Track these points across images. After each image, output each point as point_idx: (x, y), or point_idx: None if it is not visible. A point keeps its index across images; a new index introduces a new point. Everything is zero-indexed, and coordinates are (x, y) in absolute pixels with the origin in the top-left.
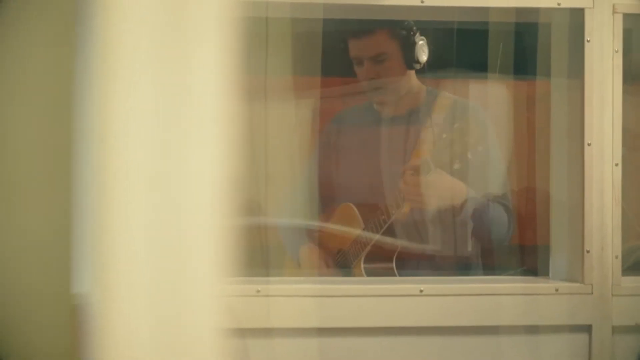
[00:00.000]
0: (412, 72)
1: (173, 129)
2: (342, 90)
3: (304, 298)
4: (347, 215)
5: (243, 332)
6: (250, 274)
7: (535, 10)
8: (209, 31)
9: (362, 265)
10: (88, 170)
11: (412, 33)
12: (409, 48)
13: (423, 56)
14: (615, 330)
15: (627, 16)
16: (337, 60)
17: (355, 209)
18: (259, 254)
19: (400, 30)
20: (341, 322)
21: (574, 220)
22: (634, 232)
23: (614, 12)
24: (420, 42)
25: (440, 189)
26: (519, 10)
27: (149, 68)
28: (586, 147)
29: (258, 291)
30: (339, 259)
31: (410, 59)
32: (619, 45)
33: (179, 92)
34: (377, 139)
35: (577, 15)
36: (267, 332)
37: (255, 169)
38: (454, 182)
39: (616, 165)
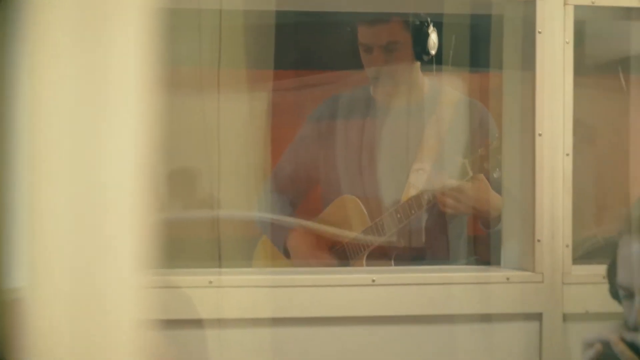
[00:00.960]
0: (418, 64)
1: (93, 123)
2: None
3: (257, 289)
4: (348, 209)
5: (165, 324)
6: (208, 265)
7: (488, 2)
8: (130, 25)
9: (364, 262)
10: (15, 164)
11: (425, 24)
12: (421, 39)
13: (433, 48)
14: (566, 318)
15: (578, 8)
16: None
17: (360, 203)
18: (214, 245)
19: (414, 20)
20: (294, 312)
21: (525, 209)
22: (586, 223)
23: (565, 3)
24: (433, 34)
25: (473, 198)
26: (473, 2)
27: (69, 62)
28: (537, 138)
29: (210, 282)
30: (335, 253)
31: (419, 50)
32: (570, 36)
33: (99, 87)
34: (376, 130)
35: (529, 7)
36: (220, 323)
37: (209, 162)
38: (492, 194)
39: (567, 155)
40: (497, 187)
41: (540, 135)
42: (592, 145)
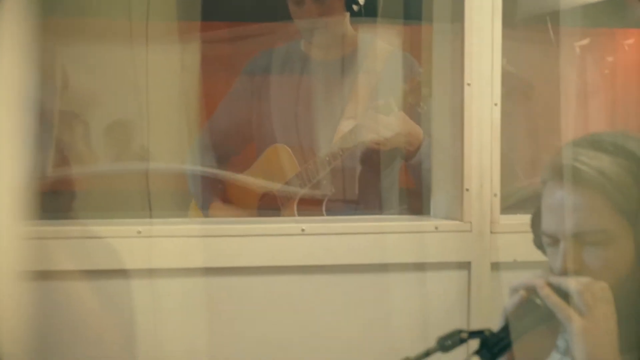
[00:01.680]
0: (348, 15)
1: None
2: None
3: (187, 239)
4: (280, 157)
5: (89, 274)
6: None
7: None
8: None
9: (295, 208)
10: None
11: None
12: None
13: None
14: (494, 266)
15: None
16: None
17: (290, 151)
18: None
19: None
20: (224, 262)
21: (454, 159)
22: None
23: None
24: None
25: (396, 130)
26: None
27: None
28: (466, 88)
29: (139, 232)
30: (265, 202)
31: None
32: None
33: None
34: (308, 83)
35: None
36: (150, 273)
37: (140, 115)
38: (414, 126)
39: (495, 105)
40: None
41: (469, 85)
42: (522, 96)
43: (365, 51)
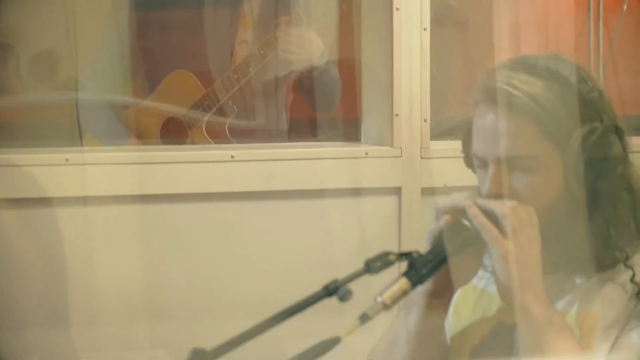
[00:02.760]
0: None
1: None
2: None
3: (117, 166)
4: (182, 83)
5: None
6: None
7: None
8: None
9: (205, 132)
10: None
11: None
12: None
13: None
14: (424, 192)
15: None
16: None
17: (193, 76)
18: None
19: None
20: (155, 189)
21: (384, 84)
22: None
23: None
24: None
25: (309, 43)
26: None
27: None
28: (395, 12)
29: (67, 160)
30: (168, 128)
31: None
32: None
33: None
34: (198, 11)
35: None
36: (79, 201)
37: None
38: (318, 40)
39: (424, 29)
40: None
41: (397, 9)
42: (454, 24)
43: None
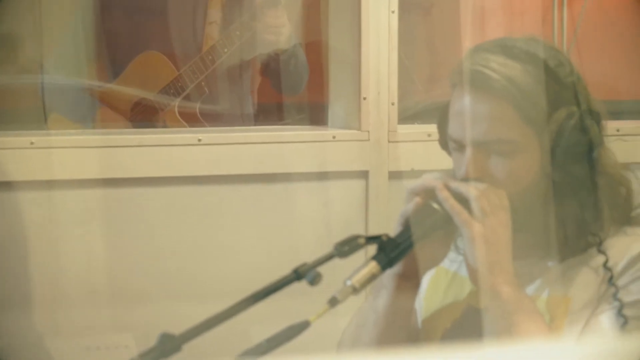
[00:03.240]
0: None
1: None
2: None
3: (83, 149)
4: (153, 64)
5: None
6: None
7: None
8: None
9: (177, 114)
10: None
11: None
12: None
13: None
14: (391, 175)
15: None
16: None
17: (164, 57)
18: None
19: None
20: (122, 173)
21: (352, 67)
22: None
23: None
24: None
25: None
26: None
27: None
28: None
29: (32, 143)
30: (138, 111)
31: None
32: None
33: None
34: None
35: None
36: (45, 185)
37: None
38: (287, 22)
39: (392, 12)
40: None
41: None
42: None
43: None
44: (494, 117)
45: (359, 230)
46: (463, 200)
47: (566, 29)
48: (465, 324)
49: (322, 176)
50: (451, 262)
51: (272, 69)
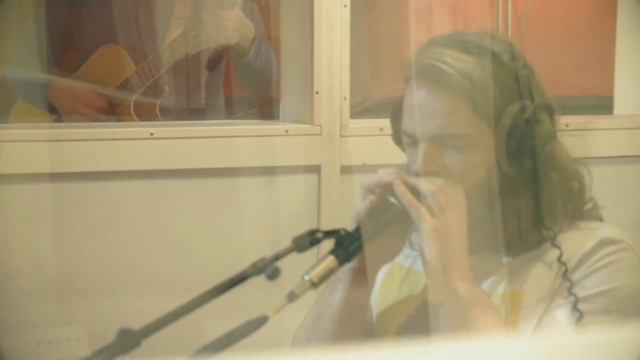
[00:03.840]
0: None
1: None
2: None
3: (32, 143)
4: (112, 58)
5: None
6: None
7: None
8: None
9: (133, 111)
10: None
11: None
12: None
13: None
14: (343, 170)
15: None
16: None
17: (123, 51)
18: None
19: None
20: (72, 167)
21: (304, 62)
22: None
23: None
24: None
25: (240, 25)
26: None
27: None
28: None
29: None
30: (100, 102)
31: None
32: None
33: None
34: None
35: None
36: None
37: None
38: (247, 21)
39: (345, 6)
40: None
41: None
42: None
43: None
44: (449, 112)
45: (311, 224)
46: (420, 195)
47: (511, 24)
48: (420, 319)
49: (275, 170)
50: (405, 258)
51: (239, 68)
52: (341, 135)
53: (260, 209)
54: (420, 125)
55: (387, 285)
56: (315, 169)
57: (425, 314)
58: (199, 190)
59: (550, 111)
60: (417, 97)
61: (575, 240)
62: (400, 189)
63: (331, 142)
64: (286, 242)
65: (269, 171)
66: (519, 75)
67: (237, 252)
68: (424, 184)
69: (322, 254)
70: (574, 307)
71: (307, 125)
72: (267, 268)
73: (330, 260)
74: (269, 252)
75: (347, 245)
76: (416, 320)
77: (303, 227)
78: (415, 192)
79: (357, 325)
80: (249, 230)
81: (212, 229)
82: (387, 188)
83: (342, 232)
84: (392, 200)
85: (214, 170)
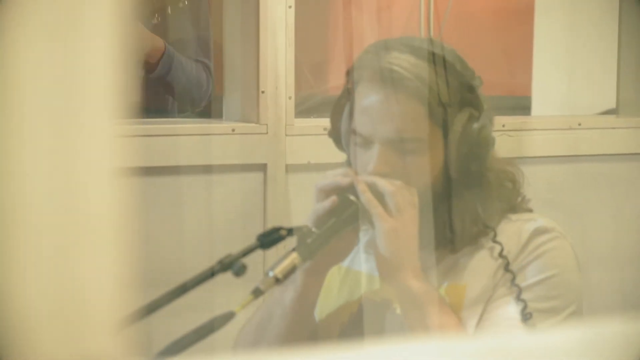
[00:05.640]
0: None
1: None
2: None
3: None
4: None
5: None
6: None
7: None
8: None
9: None
10: None
11: None
12: None
13: None
14: (289, 168)
15: None
16: None
17: None
18: None
19: None
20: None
21: (249, 61)
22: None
23: None
24: None
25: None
26: None
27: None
28: None
29: None
30: None
31: None
32: None
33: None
34: None
35: None
36: None
37: None
38: (153, 36)
39: (290, 7)
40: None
41: None
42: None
43: None
44: (406, 116)
45: (257, 221)
46: (377, 195)
47: (432, 28)
48: (363, 318)
49: (221, 169)
50: None
51: (151, 83)
52: (286, 134)
53: (206, 207)
54: (376, 127)
55: (327, 285)
56: (261, 168)
57: (368, 313)
58: (143, 190)
59: (491, 117)
60: (372, 100)
61: (510, 233)
62: (361, 187)
63: (277, 141)
64: (233, 239)
65: (215, 169)
66: (471, 83)
67: (181, 251)
68: (384, 184)
69: (286, 251)
70: (518, 297)
71: (254, 124)
72: (234, 264)
73: (294, 257)
74: (213, 250)
75: (309, 242)
76: (359, 319)
77: (249, 225)
78: (374, 191)
79: (308, 324)
80: (193, 230)
81: (157, 227)
82: (343, 189)
83: (305, 230)
84: (352, 198)
85: (159, 168)
